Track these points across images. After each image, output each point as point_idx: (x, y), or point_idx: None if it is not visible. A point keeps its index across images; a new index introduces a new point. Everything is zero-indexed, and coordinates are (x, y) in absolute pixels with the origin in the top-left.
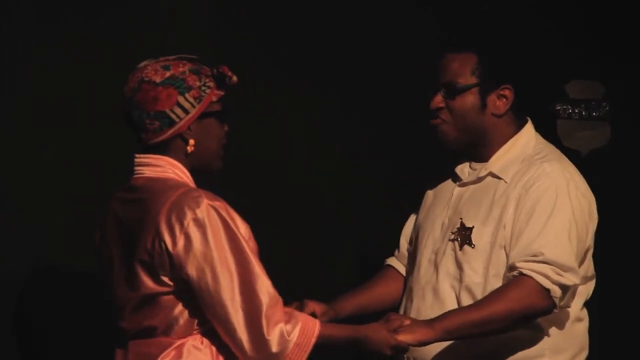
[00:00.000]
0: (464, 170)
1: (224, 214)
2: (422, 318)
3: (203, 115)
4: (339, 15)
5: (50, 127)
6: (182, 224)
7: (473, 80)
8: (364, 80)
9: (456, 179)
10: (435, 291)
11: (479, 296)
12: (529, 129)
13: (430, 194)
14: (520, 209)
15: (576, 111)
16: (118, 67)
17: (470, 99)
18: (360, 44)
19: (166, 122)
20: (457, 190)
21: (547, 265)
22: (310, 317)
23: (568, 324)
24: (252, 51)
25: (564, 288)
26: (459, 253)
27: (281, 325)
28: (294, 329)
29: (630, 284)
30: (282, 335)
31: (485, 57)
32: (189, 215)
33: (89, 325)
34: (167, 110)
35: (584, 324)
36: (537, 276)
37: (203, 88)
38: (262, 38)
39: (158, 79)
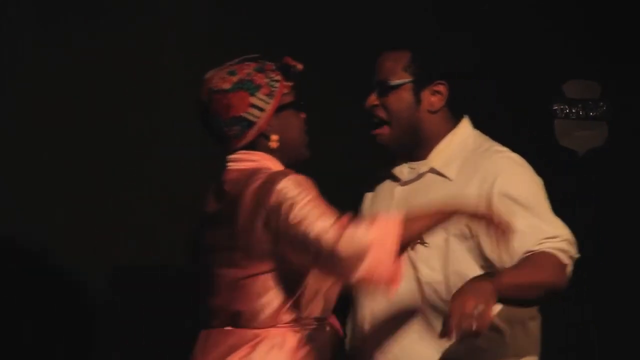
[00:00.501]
0: (402, 170)
1: (310, 184)
2: (376, 320)
3: (279, 109)
4: (340, 15)
5: (50, 127)
6: (268, 200)
7: (406, 77)
8: (365, 80)
9: (395, 180)
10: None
11: (444, 295)
12: (465, 124)
13: (369, 196)
14: (503, 201)
15: (573, 111)
16: (118, 67)
17: (404, 96)
18: (361, 43)
19: (245, 124)
20: (398, 190)
21: (563, 242)
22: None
23: (526, 323)
24: (253, 51)
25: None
26: (411, 253)
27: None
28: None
29: (628, 282)
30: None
31: (418, 53)
32: (276, 189)
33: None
34: (243, 114)
35: (538, 323)
36: (557, 252)
37: (272, 83)
38: (262, 38)
39: (227, 86)
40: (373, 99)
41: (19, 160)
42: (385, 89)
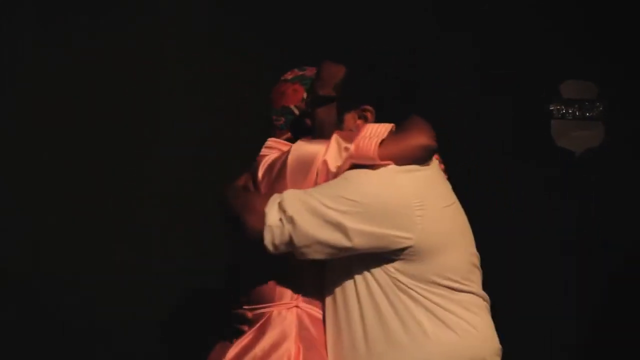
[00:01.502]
0: None
1: None
2: None
3: None
4: (339, 15)
5: (50, 127)
6: None
7: (333, 93)
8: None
9: None
10: None
11: None
12: None
13: None
14: None
15: (570, 111)
16: (118, 67)
17: (328, 111)
18: (361, 43)
19: (290, 118)
20: None
21: None
22: None
23: None
24: (253, 51)
25: None
26: None
27: None
28: None
29: (627, 282)
30: None
31: (353, 73)
32: None
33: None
34: (292, 107)
35: None
36: None
37: None
38: (261, 38)
39: (290, 77)
40: (304, 105)
41: (19, 160)
42: (313, 100)
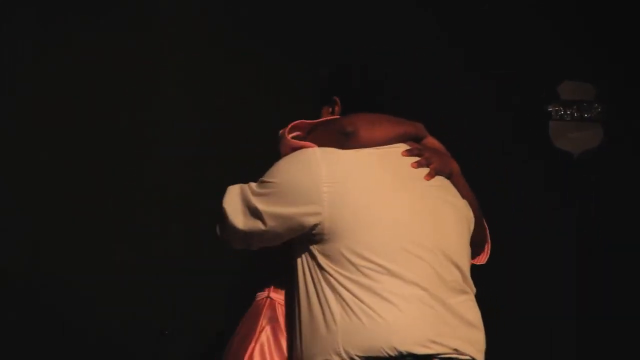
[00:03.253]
0: None
1: None
2: None
3: None
4: (339, 15)
5: (50, 127)
6: None
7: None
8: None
9: None
10: None
11: None
12: None
13: None
14: None
15: (568, 112)
16: (118, 67)
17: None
18: (361, 43)
19: None
20: None
21: None
22: None
23: None
24: (254, 51)
25: None
26: None
27: None
28: None
29: (625, 283)
30: None
31: (324, 70)
32: None
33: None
34: None
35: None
36: None
37: None
38: (261, 38)
39: None
40: None
41: (19, 160)
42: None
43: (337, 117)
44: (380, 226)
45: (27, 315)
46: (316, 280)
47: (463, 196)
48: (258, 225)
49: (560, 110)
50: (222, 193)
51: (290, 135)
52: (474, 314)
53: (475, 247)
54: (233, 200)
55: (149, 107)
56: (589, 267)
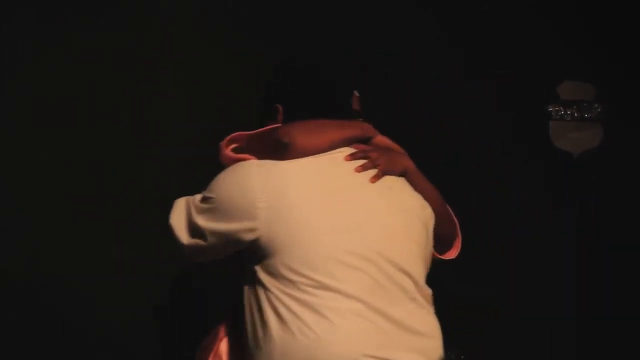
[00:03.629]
0: None
1: None
2: None
3: None
4: (339, 14)
5: (50, 127)
6: None
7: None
8: (373, 80)
9: None
10: None
11: None
12: None
13: None
14: None
15: (568, 112)
16: (118, 67)
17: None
18: (361, 43)
19: None
20: None
21: None
22: None
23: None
24: (254, 51)
25: None
26: None
27: None
28: None
29: (625, 283)
30: None
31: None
32: None
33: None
34: None
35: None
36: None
37: None
38: (261, 38)
39: None
40: None
41: (19, 160)
42: None
43: (275, 126)
44: (316, 239)
45: (27, 315)
46: (259, 297)
47: (423, 193)
48: (200, 241)
49: (560, 110)
50: None
51: (230, 148)
52: (424, 322)
53: (442, 242)
54: (178, 216)
55: (149, 107)
56: (589, 267)
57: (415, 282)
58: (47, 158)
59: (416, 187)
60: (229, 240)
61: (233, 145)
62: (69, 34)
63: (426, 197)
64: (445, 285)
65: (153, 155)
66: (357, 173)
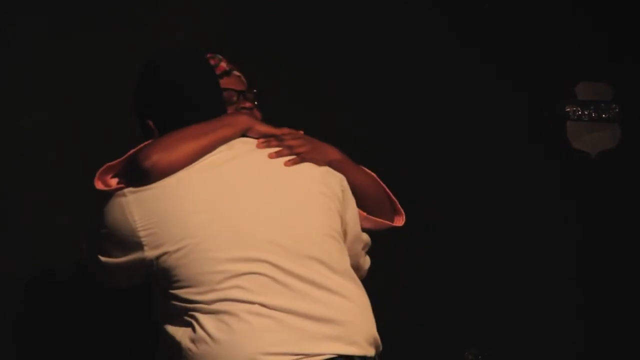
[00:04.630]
0: None
1: None
2: None
3: None
4: (340, 14)
5: (50, 127)
6: None
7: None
8: (378, 80)
9: None
10: None
11: None
12: None
13: None
14: None
15: (585, 113)
16: (119, 67)
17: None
18: (362, 43)
19: None
20: None
21: None
22: None
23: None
24: (260, 49)
25: None
26: None
27: None
28: None
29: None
30: None
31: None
32: None
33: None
34: None
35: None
36: None
37: None
38: (268, 36)
39: None
40: None
41: (19, 160)
42: None
43: (134, 150)
44: (202, 256)
45: (27, 315)
46: (168, 314)
47: (355, 179)
48: (101, 275)
49: (578, 111)
50: None
51: (106, 177)
52: (337, 308)
53: (379, 210)
54: (89, 260)
55: None
56: (606, 267)
57: (323, 263)
58: (47, 158)
59: (347, 176)
60: (129, 270)
61: (110, 175)
62: (69, 34)
63: (359, 183)
64: (464, 284)
65: None
66: (241, 170)
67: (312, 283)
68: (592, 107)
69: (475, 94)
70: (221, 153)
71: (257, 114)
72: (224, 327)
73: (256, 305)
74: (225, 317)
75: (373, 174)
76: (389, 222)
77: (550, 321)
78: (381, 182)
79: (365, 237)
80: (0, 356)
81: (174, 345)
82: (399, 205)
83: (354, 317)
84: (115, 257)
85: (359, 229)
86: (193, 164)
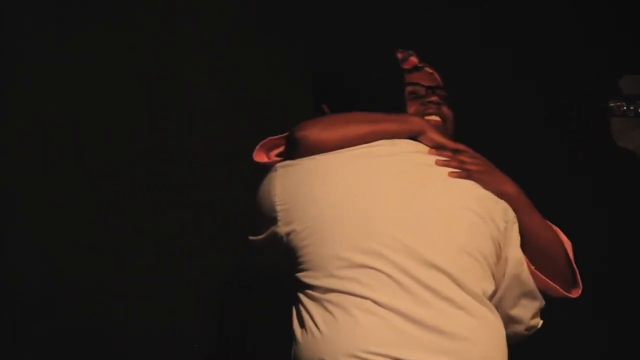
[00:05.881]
0: None
1: None
2: None
3: None
4: (343, 13)
5: (50, 127)
6: None
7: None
8: None
9: None
10: None
11: None
12: None
13: None
14: None
15: (632, 108)
16: (119, 67)
17: None
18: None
19: None
20: None
21: None
22: None
23: None
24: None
25: None
26: None
27: None
28: None
29: None
30: None
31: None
32: None
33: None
34: None
35: None
36: None
37: None
38: (267, 36)
39: None
40: None
41: (18, 161)
42: None
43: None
44: (327, 238)
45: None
46: (296, 300)
47: (526, 227)
48: (258, 261)
49: (623, 106)
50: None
51: (270, 152)
52: (458, 323)
53: (550, 271)
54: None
55: (174, 107)
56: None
57: (451, 278)
58: (47, 158)
59: (518, 216)
60: (270, 247)
61: (276, 151)
62: (69, 34)
63: (531, 229)
64: None
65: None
66: (395, 168)
67: (434, 291)
68: (638, 102)
69: (511, 90)
70: (381, 146)
71: (446, 111)
72: (330, 319)
73: (368, 301)
74: (334, 309)
75: (559, 231)
76: (559, 289)
77: (578, 321)
78: (565, 244)
79: (531, 287)
80: (0, 356)
81: (291, 333)
82: (579, 277)
83: (478, 336)
84: (260, 233)
85: (521, 272)
86: (349, 149)
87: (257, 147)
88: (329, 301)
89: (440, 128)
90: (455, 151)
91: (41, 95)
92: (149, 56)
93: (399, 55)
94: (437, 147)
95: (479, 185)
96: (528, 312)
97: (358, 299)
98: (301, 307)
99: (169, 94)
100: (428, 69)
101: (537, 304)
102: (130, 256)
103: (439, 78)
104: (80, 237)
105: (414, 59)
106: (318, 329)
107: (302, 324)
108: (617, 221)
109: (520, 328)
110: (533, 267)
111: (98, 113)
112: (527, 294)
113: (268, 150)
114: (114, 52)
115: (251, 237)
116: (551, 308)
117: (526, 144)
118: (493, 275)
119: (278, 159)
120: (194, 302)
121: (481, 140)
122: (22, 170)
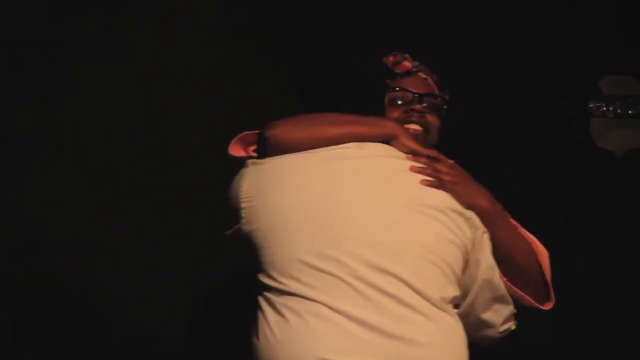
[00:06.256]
0: None
1: None
2: None
3: None
4: (341, 16)
5: (51, 127)
6: None
7: None
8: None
9: None
10: None
11: None
12: None
13: None
14: None
15: (611, 109)
16: (119, 67)
17: None
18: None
19: None
20: None
21: None
22: None
23: None
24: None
25: None
26: None
27: None
28: None
29: None
30: None
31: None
32: None
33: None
34: None
35: None
36: None
37: None
38: (268, 35)
39: None
40: None
41: (19, 161)
42: None
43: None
44: (285, 239)
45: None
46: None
47: (500, 241)
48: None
49: (603, 107)
50: None
51: (249, 147)
52: (416, 329)
53: (523, 283)
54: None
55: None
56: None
57: (410, 286)
58: (48, 158)
59: (491, 231)
60: (240, 242)
61: (254, 146)
62: (68, 34)
63: (505, 243)
64: None
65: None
66: (360, 171)
67: (392, 297)
68: (618, 103)
69: (494, 89)
70: (349, 149)
71: (430, 119)
72: (283, 324)
73: (323, 307)
74: (288, 313)
75: (536, 242)
76: (531, 300)
77: (575, 319)
78: (541, 257)
79: (502, 292)
80: (1, 356)
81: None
82: (552, 291)
83: (437, 341)
84: (230, 228)
85: (492, 277)
86: (317, 150)
87: (233, 140)
88: (283, 305)
89: (418, 137)
90: (432, 159)
91: (41, 95)
92: (149, 56)
93: (392, 59)
94: (409, 153)
95: (449, 195)
96: (499, 317)
97: (313, 304)
98: (258, 311)
99: (169, 94)
100: (422, 75)
101: (509, 308)
102: (130, 256)
103: (432, 84)
104: (80, 237)
105: (407, 63)
106: (273, 333)
107: (258, 328)
108: (599, 221)
109: (492, 332)
110: (505, 279)
111: (98, 113)
112: (499, 299)
113: (246, 145)
114: (114, 52)
115: (226, 232)
116: (552, 308)
117: (526, 144)
118: (459, 282)
119: (254, 154)
120: (194, 302)
121: (481, 140)
122: (22, 170)
